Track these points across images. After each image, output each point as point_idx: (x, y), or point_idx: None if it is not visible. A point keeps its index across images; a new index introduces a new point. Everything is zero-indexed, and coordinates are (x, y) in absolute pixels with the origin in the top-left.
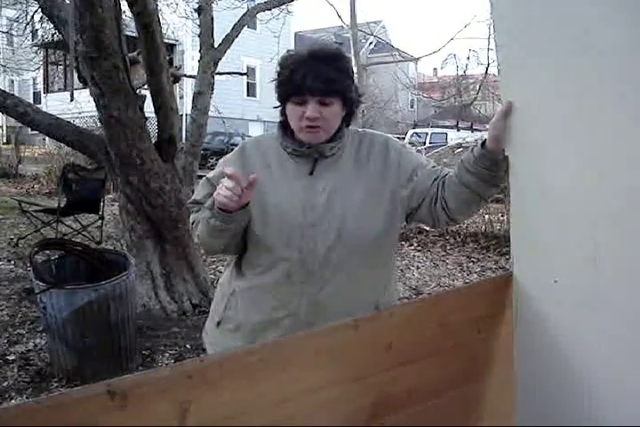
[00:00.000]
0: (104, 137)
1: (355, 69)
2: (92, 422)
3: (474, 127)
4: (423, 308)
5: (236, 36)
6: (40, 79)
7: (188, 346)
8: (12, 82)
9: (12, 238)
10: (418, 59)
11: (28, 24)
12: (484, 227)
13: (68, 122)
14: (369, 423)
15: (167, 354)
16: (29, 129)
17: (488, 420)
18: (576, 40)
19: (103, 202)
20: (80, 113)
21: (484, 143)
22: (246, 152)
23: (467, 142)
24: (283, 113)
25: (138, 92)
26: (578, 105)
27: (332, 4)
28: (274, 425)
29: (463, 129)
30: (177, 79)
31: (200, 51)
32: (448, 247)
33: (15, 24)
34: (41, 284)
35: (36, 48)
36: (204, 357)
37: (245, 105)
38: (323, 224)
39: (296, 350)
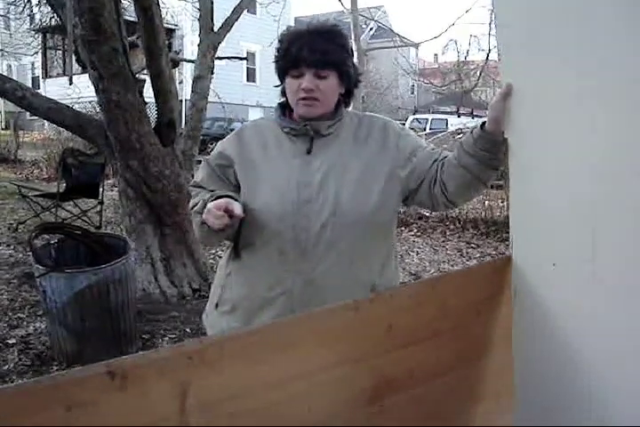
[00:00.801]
0: (103, 121)
1: (355, 55)
2: (91, 402)
3: (474, 113)
4: (423, 290)
5: (236, 20)
6: (38, 64)
7: (187, 330)
8: (10, 67)
9: (11, 223)
10: (418, 44)
11: (25, 7)
12: (483, 213)
13: (67, 106)
14: (369, 405)
15: (167, 338)
16: (28, 114)
17: (487, 401)
18: (578, 21)
19: (102, 187)
20: (79, 98)
21: (483, 125)
22: (244, 133)
23: (467, 128)
24: (283, 92)
25: (137, 76)
26: (578, 87)
27: None
28: (273, 406)
29: (464, 115)
30: (176, 64)
31: (200, 35)
32: (448, 233)
33: (12, 7)
34: (40, 268)
35: (33, 32)
36: (203, 338)
37: (245, 90)
38: (317, 202)
39: (296, 331)
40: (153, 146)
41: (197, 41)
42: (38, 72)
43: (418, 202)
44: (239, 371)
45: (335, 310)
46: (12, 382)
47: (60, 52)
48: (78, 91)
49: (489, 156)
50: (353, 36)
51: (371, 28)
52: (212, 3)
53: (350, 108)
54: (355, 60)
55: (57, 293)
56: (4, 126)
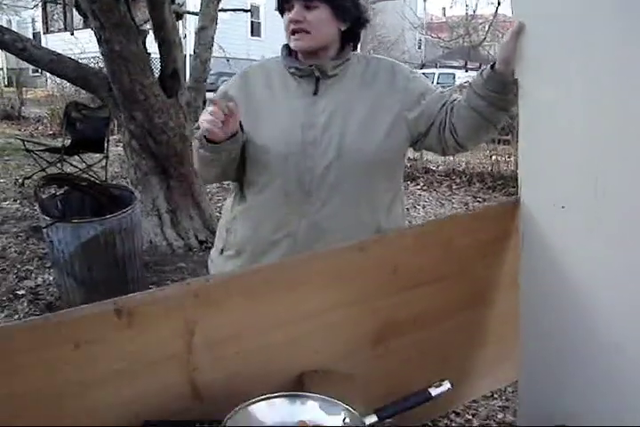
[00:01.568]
0: (106, 72)
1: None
2: (99, 339)
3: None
4: (429, 231)
5: None
6: (39, 18)
7: None
8: (10, 22)
9: (17, 179)
10: None
11: None
12: (490, 167)
13: (70, 58)
14: (373, 348)
15: None
16: (31, 71)
17: (494, 344)
18: None
19: (107, 141)
20: (82, 53)
21: (493, 66)
22: (249, 74)
23: None
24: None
25: (140, 27)
26: (590, 25)
27: None
28: (279, 347)
29: (471, 69)
30: (179, 16)
31: None
32: (454, 187)
33: None
34: (47, 218)
35: None
36: (209, 276)
37: (250, 45)
38: (321, 143)
39: (302, 271)
40: (157, 97)
41: None
42: (39, 27)
43: (427, 146)
44: (245, 310)
45: (340, 250)
46: None
47: (61, 6)
48: (81, 46)
49: (499, 97)
50: None
51: None
52: None
53: None
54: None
55: (64, 243)
56: (6, 83)
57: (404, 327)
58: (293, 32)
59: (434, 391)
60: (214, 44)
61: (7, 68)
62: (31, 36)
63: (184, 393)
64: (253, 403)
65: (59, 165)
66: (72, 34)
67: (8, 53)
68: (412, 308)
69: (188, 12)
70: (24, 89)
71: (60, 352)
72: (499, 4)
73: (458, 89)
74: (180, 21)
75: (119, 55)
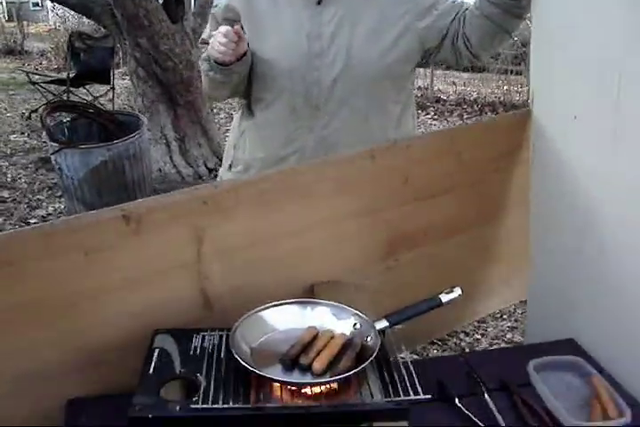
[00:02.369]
0: None
1: None
2: (107, 246)
3: None
4: (439, 142)
5: None
6: None
7: None
8: None
9: (23, 113)
10: None
11: None
12: (502, 97)
13: None
14: (384, 260)
15: None
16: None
17: (503, 261)
18: None
19: (113, 72)
20: None
21: None
22: None
23: None
24: None
25: None
26: None
27: None
28: (288, 256)
29: None
30: None
31: None
32: (465, 116)
33: None
34: (54, 144)
35: None
36: (217, 183)
37: None
38: (328, 55)
39: (312, 178)
40: (162, 23)
41: None
42: None
43: (441, 59)
44: (254, 219)
45: (351, 157)
46: None
47: None
48: None
49: (513, 3)
50: None
51: None
52: None
53: None
54: None
55: (72, 169)
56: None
57: (414, 239)
58: None
59: (444, 298)
60: None
61: (6, 2)
62: None
63: (194, 302)
64: (264, 309)
65: (65, 97)
66: None
67: None
68: (422, 220)
69: None
70: (25, 23)
71: (69, 259)
72: None
73: None
74: None
75: None
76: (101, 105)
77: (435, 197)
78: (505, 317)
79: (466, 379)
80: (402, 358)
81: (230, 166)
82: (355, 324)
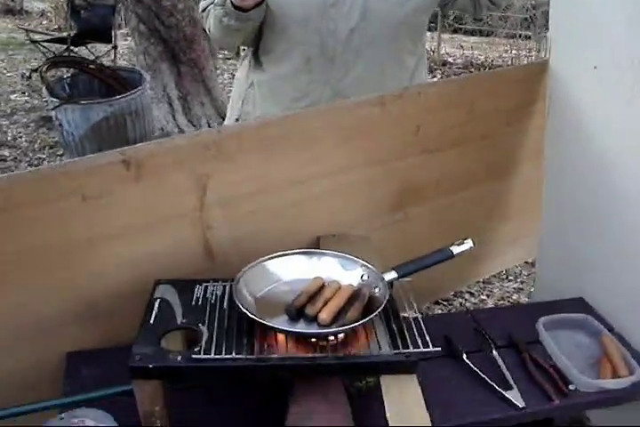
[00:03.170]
0: None
1: None
2: (107, 192)
3: None
4: (451, 91)
5: None
6: None
7: None
8: None
9: (24, 73)
10: None
11: None
12: (510, 61)
13: None
14: (392, 213)
15: None
16: None
17: (513, 219)
18: None
19: (115, 32)
20: None
21: None
22: None
23: None
24: None
25: None
26: None
27: None
28: (294, 206)
29: None
30: None
31: None
32: None
33: None
34: (54, 100)
35: None
36: (220, 127)
37: None
38: (345, 4)
39: (320, 124)
40: None
41: None
42: None
43: (459, 7)
44: (259, 167)
45: (361, 104)
46: None
47: None
48: None
49: None
50: None
51: None
52: None
53: None
54: None
55: (73, 125)
56: None
57: (424, 192)
58: None
59: (456, 250)
60: None
61: None
62: None
63: (197, 253)
64: (269, 259)
65: (65, 55)
66: None
67: None
68: (433, 172)
69: None
70: None
71: (67, 205)
72: None
73: None
74: None
75: None
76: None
77: (446, 150)
78: (511, 278)
79: (473, 336)
80: (411, 311)
81: (237, 120)
82: (362, 275)
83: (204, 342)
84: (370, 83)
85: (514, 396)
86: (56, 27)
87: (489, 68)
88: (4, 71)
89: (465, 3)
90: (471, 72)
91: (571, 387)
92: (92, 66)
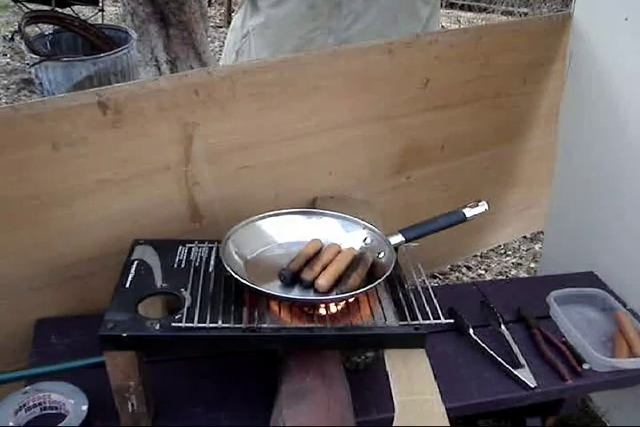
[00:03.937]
0: None
1: None
2: (79, 138)
3: None
4: (465, 41)
5: None
6: None
7: None
8: None
9: (6, 35)
10: None
11: None
12: None
13: None
14: (396, 176)
15: None
16: None
17: (521, 188)
18: None
19: None
20: None
21: None
22: None
23: None
24: None
25: None
26: None
27: None
28: (291, 163)
29: None
30: None
31: None
32: None
33: None
34: (34, 56)
35: None
36: (211, 68)
37: None
38: None
39: (321, 70)
40: None
41: None
42: None
43: None
44: (253, 116)
45: (366, 50)
46: None
47: None
48: None
49: None
50: None
51: None
52: None
53: None
54: None
55: (54, 84)
56: None
57: (429, 154)
58: None
59: (469, 212)
60: None
61: None
62: None
63: (181, 212)
64: (262, 218)
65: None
66: None
67: None
68: (440, 131)
69: None
70: None
71: (34, 154)
72: None
73: None
74: None
75: None
76: None
77: (455, 107)
78: (509, 253)
79: (479, 309)
80: (419, 279)
81: None
82: (365, 238)
83: (185, 309)
84: (380, 33)
85: (524, 375)
86: None
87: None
88: None
89: None
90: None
91: (584, 366)
92: (76, 23)
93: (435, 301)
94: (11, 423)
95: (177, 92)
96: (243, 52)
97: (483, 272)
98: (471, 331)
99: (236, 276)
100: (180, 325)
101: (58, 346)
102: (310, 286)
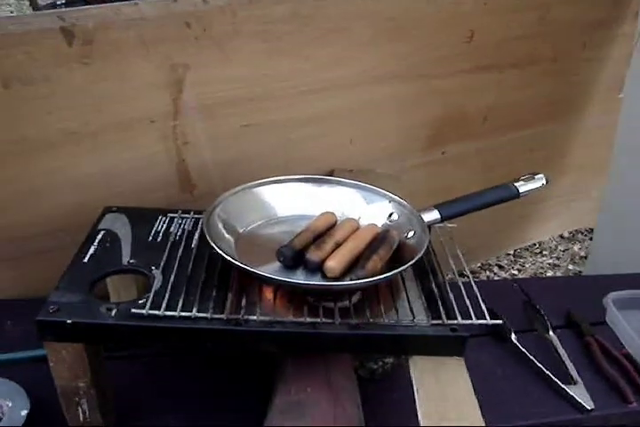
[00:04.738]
0: None
1: None
2: (37, 74)
3: None
4: None
5: None
6: None
7: None
8: None
9: None
10: None
11: None
12: None
13: None
14: (428, 150)
15: None
16: None
17: (571, 173)
18: None
19: None
20: None
21: None
22: None
23: None
24: None
25: None
26: None
27: None
28: (304, 125)
29: None
30: None
31: None
32: None
33: None
34: None
35: None
36: None
37: None
38: None
39: (347, 8)
40: None
41: None
42: None
43: None
44: (259, 61)
45: None
46: None
47: None
48: None
49: None
50: None
51: None
52: None
53: None
54: None
55: None
56: None
57: (469, 126)
58: None
59: (523, 187)
60: None
61: None
62: None
63: (169, 178)
64: (261, 184)
65: None
66: None
67: None
68: (483, 98)
69: None
70: None
71: None
72: None
73: None
74: None
75: None
76: None
77: (503, 69)
78: (545, 253)
79: (521, 310)
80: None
81: None
82: (391, 214)
83: (153, 292)
84: None
85: (579, 393)
86: None
87: None
88: None
89: None
90: None
91: None
92: None
93: (479, 295)
94: None
95: (163, 22)
96: None
97: (516, 272)
98: (513, 336)
99: (220, 251)
100: (141, 312)
101: (12, 332)
102: (317, 269)
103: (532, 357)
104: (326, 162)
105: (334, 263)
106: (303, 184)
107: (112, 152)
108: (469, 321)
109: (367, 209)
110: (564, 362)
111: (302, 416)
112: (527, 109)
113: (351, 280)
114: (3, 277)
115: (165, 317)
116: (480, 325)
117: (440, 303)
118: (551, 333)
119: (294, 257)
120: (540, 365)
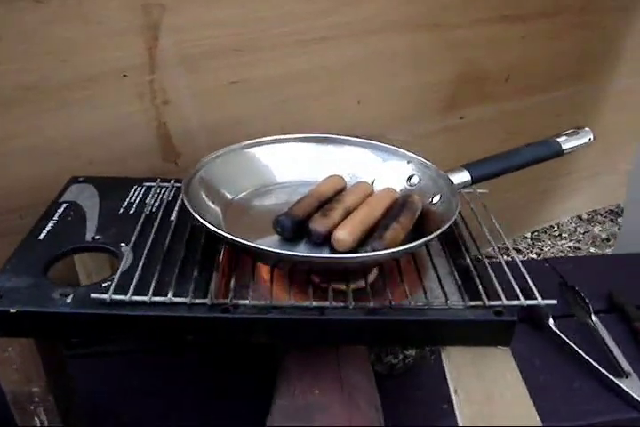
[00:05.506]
0: None
1: None
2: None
3: None
4: None
5: None
6: None
7: None
8: None
9: None
10: None
11: None
12: None
13: None
14: (445, 114)
15: None
16: None
17: (599, 144)
18: None
19: None
20: None
21: None
22: None
23: None
24: None
25: None
26: None
27: None
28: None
29: None
30: None
31: None
32: None
33: None
34: None
35: None
36: None
37: None
38: None
39: None
40: None
41: None
42: None
43: None
44: (250, 3)
45: None
46: None
47: None
48: None
49: None
50: None
51: None
52: None
53: None
54: None
55: None
56: None
57: (490, 85)
58: None
59: (567, 143)
60: None
61: None
62: None
63: (147, 144)
64: (255, 144)
65: None
66: None
67: None
68: (507, 53)
69: None
70: None
71: None
72: None
73: None
74: None
75: None
76: None
77: (529, 20)
78: (565, 235)
79: (558, 293)
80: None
81: None
82: (411, 176)
83: (119, 273)
84: None
85: (633, 387)
86: None
87: None
88: None
89: None
90: None
91: None
92: None
93: (525, 272)
94: None
95: None
96: None
97: (535, 256)
98: (551, 322)
99: (202, 221)
100: (103, 297)
101: None
102: (324, 241)
103: (574, 346)
104: (330, 127)
105: (344, 234)
106: (305, 144)
107: (77, 113)
108: (517, 302)
109: (382, 172)
110: (611, 351)
111: (310, 421)
112: (554, 67)
113: (366, 253)
114: None
115: (133, 302)
116: (532, 304)
117: (478, 281)
118: (594, 318)
119: (295, 228)
120: (585, 355)
